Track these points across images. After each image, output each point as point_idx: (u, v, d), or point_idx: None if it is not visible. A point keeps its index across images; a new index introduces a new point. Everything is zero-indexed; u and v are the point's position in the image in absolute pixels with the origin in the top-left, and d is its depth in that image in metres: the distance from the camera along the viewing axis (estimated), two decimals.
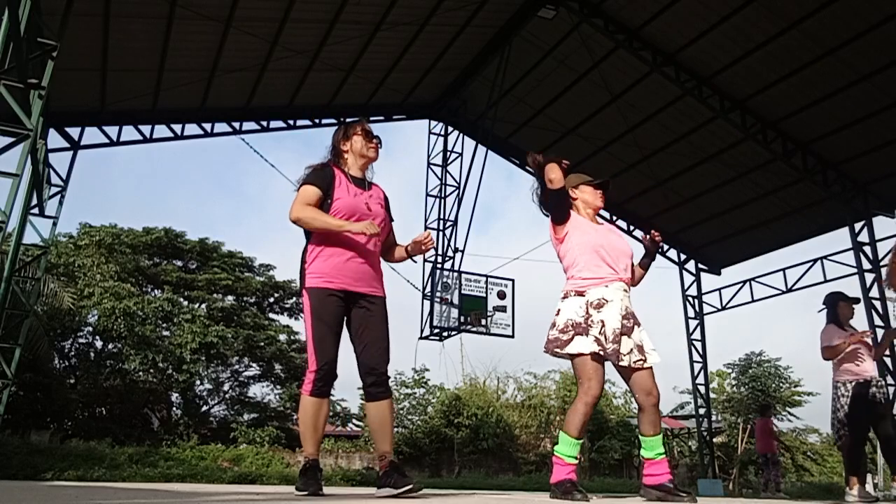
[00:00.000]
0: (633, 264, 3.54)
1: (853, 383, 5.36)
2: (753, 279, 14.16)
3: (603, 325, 3.22)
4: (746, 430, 20.77)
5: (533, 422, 17.06)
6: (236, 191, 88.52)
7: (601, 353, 3.19)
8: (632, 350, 3.26)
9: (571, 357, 3.25)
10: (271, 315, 18.71)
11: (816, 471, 22.54)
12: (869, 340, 5.53)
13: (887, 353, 10.43)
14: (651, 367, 3.29)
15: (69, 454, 9.21)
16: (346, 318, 3.08)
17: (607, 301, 3.25)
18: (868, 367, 5.38)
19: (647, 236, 3.70)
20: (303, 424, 3.00)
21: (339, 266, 3.00)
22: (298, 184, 3.09)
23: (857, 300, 5.83)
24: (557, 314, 3.34)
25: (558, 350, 3.27)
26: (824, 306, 5.68)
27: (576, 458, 3.20)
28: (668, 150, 12.45)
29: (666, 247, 15.26)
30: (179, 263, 17.91)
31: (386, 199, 3.28)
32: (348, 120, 3.32)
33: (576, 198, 3.57)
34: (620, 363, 3.25)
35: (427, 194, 13.96)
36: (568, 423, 3.21)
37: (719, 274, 15.26)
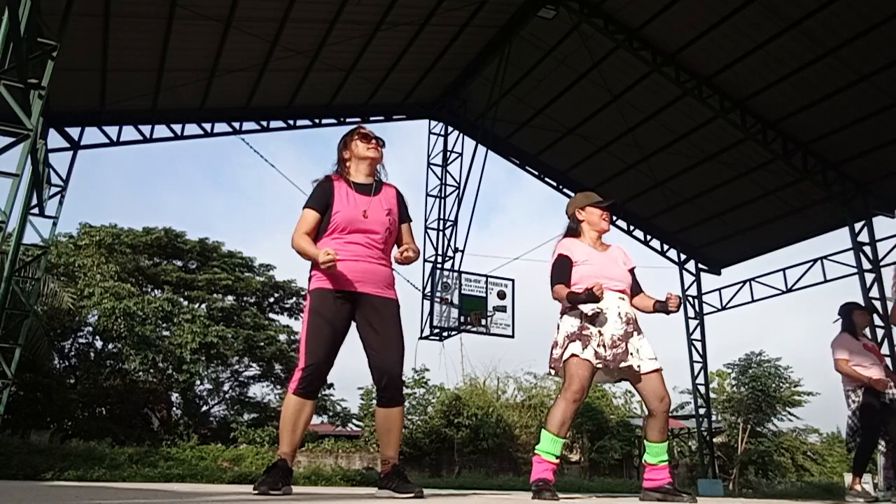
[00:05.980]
0: (633, 276, 3.50)
1: (863, 389, 5.37)
2: (753, 279, 14.16)
3: (601, 334, 3.22)
4: (746, 430, 20.76)
5: (533, 422, 17.03)
6: (231, 185, 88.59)
7: (590, 357, 3.19)
8: (634, 354, 3.25)
9: (565, 362, 3.26)
10: (271, 315, 18.72)
11: (816, 471, 22.56)
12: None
13: (888, 354, 10.42)
14: (661, 372, 3.27)
15: (69, 454, 9.21)
16: (354, 323, 3.03)
17: (602, 310, 3.25)
18: (875, 374, 5.38)
19: (664, 301, 3.37)
20: (282, 422, 2.94)
21: (343, 268, 2.95)
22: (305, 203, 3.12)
23: (873, 309, 5.80)
24: (556, 333, 3.36)
25: (559, 366, 3.30)
26: (839, 317, 5.68)
27: (556, 456, 3.19)
28: (668, 150, 12.45)
29: (666, 247, 15.27)
30: (179, 263, 17.90)
31: (400, 197, 3.23)
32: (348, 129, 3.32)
33: (582, 220, 3.54)
34: (624, 364, 3.24)
35: (427, 194, 13.98)
36: (548, 419, 3.23)
37: (719, 274, 15.27)
